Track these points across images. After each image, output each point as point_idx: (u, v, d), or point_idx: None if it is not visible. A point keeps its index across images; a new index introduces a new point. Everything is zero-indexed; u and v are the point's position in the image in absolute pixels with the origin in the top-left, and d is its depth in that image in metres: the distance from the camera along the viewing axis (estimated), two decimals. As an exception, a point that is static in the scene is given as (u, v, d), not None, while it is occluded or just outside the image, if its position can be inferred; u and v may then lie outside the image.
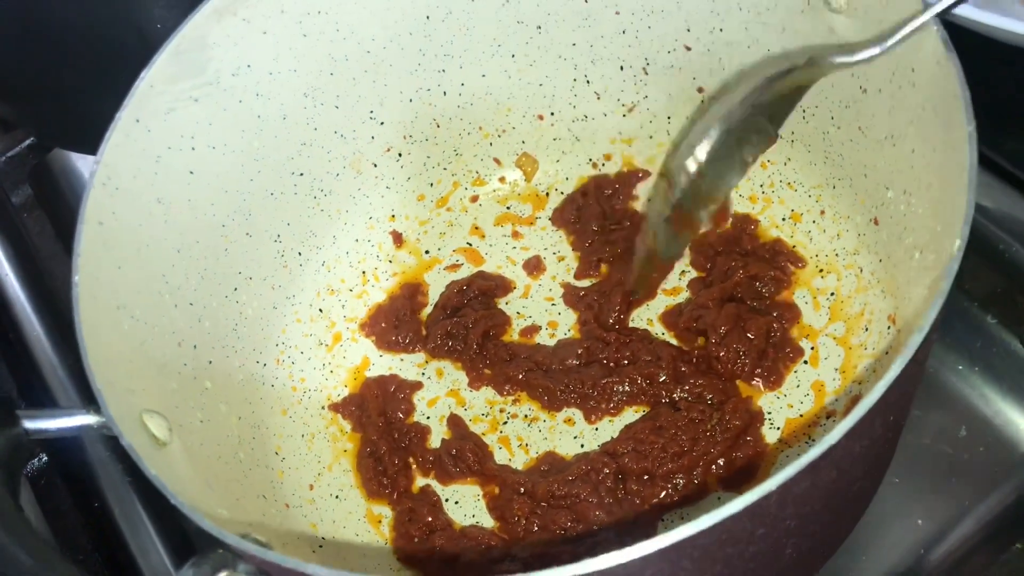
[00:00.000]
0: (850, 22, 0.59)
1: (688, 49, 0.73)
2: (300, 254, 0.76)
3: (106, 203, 0.58)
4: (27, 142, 1.00)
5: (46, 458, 0.78)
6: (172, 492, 0.46)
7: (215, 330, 0.67)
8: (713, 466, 0.66)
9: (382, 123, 0.77)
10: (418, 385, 0.75)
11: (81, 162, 0.98)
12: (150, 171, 0.62)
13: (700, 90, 0.75)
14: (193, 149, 0.65)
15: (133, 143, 0.60)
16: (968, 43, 0.72)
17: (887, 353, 0.64)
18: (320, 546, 0.67)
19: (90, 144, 0.59)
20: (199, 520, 0.44)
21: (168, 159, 0.63)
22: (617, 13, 0.73)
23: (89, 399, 0.51)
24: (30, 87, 0.86)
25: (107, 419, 0.48)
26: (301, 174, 0.74)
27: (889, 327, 0.67)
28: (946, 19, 0.70)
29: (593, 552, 0.40)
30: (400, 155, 0.79)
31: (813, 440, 0.67)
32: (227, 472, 0.62)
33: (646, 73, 0.76)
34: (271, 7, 0.66)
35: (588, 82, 0.78)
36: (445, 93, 0.77)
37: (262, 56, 0.68)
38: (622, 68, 0.76)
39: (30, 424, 0.51)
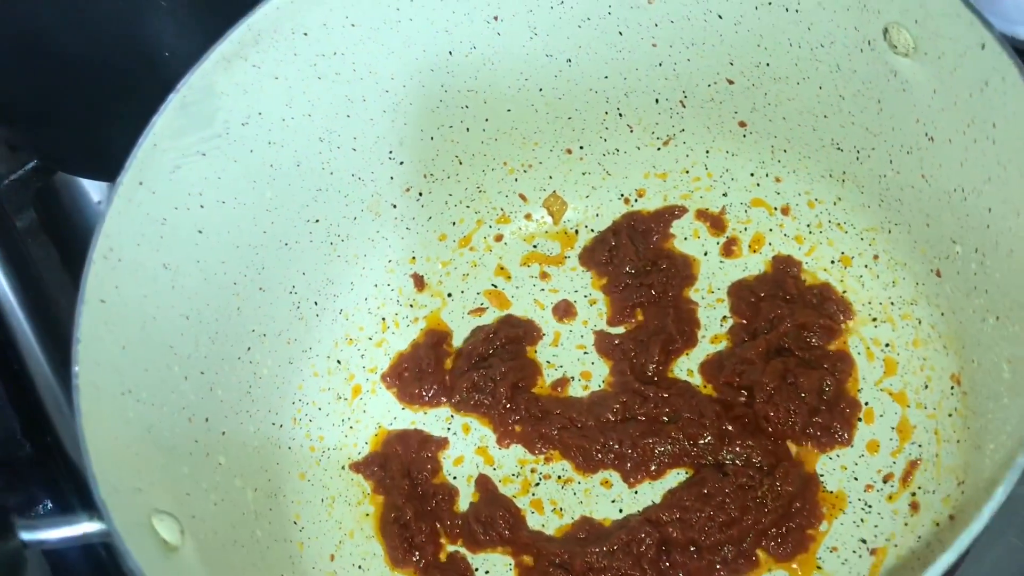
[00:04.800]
0: (918, 67, 0.54)
1: (731, 83, 0.68)
2: (316, 304, 0.72)
3: (108, 278, 0.54)
4: (31, 164, 0.94)
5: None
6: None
7: (228, 397, 0.63)
8: (764, 536, 0.63)
9: (401, 163, 0.72)
10: (444, 442, 0.70)
11: (88, 184, 0.92)
12: (155, 235, 0.58)
13: (742, 124, 0.70)
14: (201, 207, 0.61)
15: (136, 208, 0.56)
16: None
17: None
18: (344, 624, 0.63)
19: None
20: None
21: (175, 220, 0.59)
22: (654, 45, 0.68)
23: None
24: (35, 112, 0.83)
25: (111, 531, 0.44)
26: (317, 221, 0.69)
27: (953, 387, 0.62)
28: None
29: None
30: (420, 194, 0.74)
31: (870, 507, 0.63)
32: (243, 558, 0.58)
33: (683, 106, 0.71)
34: (283, 51, 0.61)
35: (620, 115, 0.73)
36: (468, 129, 0.73)
37: (274, 102, 0.63)
38: (657, 101, 0.71)
39: (27, 536, 0.46)
